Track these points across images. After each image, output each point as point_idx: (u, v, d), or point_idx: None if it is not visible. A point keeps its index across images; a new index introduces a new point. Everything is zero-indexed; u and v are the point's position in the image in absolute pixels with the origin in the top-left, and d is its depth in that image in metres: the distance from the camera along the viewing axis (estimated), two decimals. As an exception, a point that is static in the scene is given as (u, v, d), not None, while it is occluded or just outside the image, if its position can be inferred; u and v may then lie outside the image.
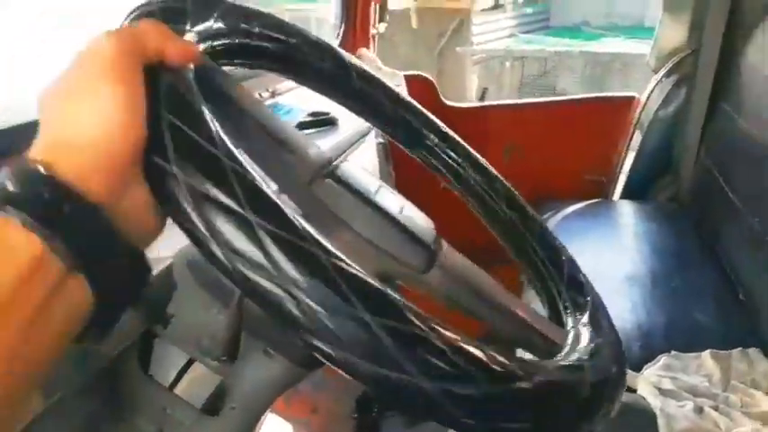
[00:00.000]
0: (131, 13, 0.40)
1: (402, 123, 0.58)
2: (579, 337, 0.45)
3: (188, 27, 0.41)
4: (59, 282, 0.28)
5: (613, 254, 1.39)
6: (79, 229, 0.29)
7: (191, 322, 0.52)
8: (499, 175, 0.59)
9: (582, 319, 0.48)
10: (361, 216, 0.43)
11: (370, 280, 0.30)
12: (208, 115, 0.32)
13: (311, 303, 0.29)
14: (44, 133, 0.31)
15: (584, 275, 0.55)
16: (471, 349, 0.31)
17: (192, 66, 0.36)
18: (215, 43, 0.43)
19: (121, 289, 0.32)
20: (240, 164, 0.30)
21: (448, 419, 0.31)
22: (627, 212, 1.68)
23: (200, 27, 0.42)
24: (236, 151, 0.31)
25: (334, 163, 0.46)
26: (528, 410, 0.33)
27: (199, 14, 0.42)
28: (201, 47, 0.41)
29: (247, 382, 0.53)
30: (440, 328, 0.31)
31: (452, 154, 0.59)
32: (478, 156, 0.60)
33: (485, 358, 0.31)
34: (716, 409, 0.84)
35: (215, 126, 0.31)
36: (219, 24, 0.44)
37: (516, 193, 0.59)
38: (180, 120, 0.31)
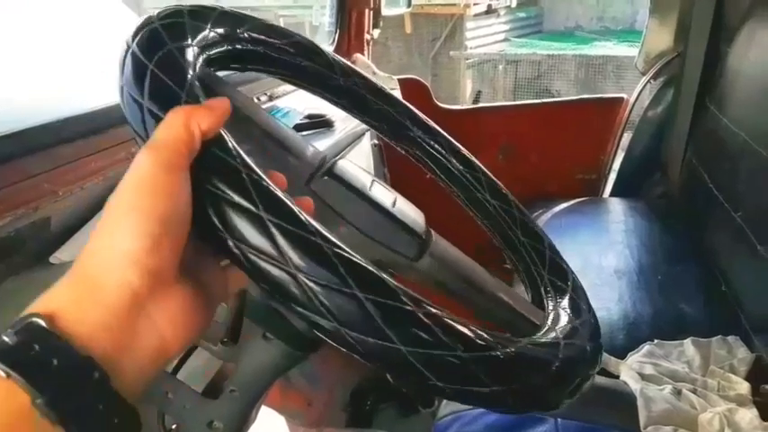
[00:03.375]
0: (136, 32, 0.40)
1: (385, 116, 0.60)
2: (558, 318, 0.49)
3: (189, 41, 0.41)
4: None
5: (602, 248, 1.43)
6: (66, 385, 0.29)
7: None
8: (482, 166, 0.62)
9: (562, 302, 0.53)
10: (356, 210, 0.46)
11: (363, 263, 0.34)
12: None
13: (312, 285, 0.32)
14: (79, 255, 0.33)
15: (564, 260, 0.59)
16: (451, 322, 0.35)
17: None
18: (213, 52, 0.44)
19: None
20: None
21: (426, 384, 0.34)
22: (616, 209, 1.72)
23: (198, 37, 0.43)
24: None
25: (330, 161, 0.50)
26: (500, 377, 0.36)
27: (195, 26, 0.43)
28: (202, 57, 0.42)
29: (247, 366, 0.55)
30: (425, 305, 0.34)
31: (436, 145, 0.61)
32: (461, 147, 0.62)
33: (463, 330, 0.35)
34: (694, 392, 0.88)
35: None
36: (215, 33, 0.45)
37: (498, 181, 0.61)
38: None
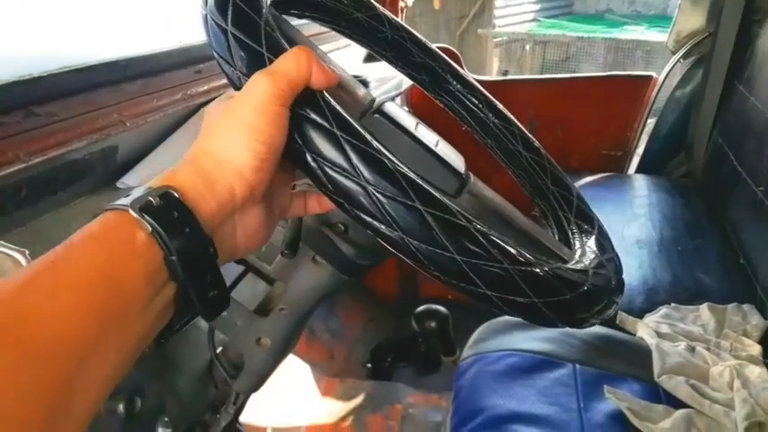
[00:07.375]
0: None
1: (427, 69, 0.64)
2: (585, 253, 0.54)
3: None
4: (161, 287, 0.33)
5: (625, 220, 1.46)
6: (190, 250, 0.33)
7: None
8: (516, 121, 0.65)
9: (588, 242, 0.57)
10: (402, 146, 0.50)
11: (422, 181, 0.39)
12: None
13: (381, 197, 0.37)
14: (194, 149, 0.38)
15: (591, 209, 0.63)
16: (499, 240, 0.40)
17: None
18: None
19: (201, 304, 0.36)
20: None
21: (477, 292, 0.39)
22: (640, 185, 1.74)
23: None
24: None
25: (379, 101, 0.54)
26: (539, 290, 0.41)
27: None
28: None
29: (296, 286, 0.60)
30: (477, 224, 0.39)
31: (473, 99, 0.65)
32: (496, 101, 0.66)
33: (510, 248, 0.40)
34: (707, 350, 0.93)
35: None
36: None
37: (531, 136, 0.65)
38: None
